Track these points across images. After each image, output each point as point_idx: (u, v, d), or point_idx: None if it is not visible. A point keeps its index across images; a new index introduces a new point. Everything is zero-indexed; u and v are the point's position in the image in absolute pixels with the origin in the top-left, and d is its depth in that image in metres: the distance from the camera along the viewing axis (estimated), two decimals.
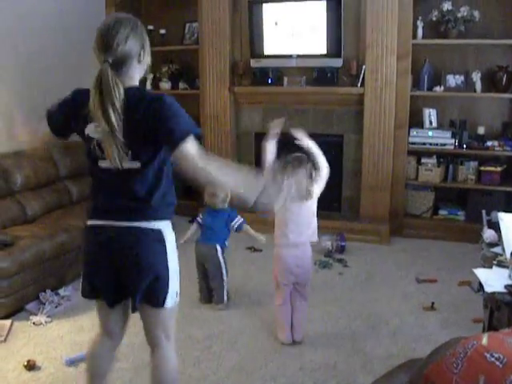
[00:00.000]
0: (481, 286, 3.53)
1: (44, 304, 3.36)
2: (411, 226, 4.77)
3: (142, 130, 1.73)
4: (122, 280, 1.88)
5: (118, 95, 1.69)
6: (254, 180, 1.89)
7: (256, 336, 3.07)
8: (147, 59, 1.84)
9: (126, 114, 1.70)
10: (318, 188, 2.88)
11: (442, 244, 4.56)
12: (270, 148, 2.81)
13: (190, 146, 1.74)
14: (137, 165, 1.77)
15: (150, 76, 5.31)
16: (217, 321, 3.26)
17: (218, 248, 3.40)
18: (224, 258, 3.43)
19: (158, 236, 1.85)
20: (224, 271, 3.41)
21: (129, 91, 1.73)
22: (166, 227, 1.89)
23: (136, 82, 1.82)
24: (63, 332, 3.12)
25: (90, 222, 1.91)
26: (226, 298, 3.43)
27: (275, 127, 2.80)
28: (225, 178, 1.83)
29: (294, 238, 2.85)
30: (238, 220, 3.45)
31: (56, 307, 3.37)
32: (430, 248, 4.51)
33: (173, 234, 1.93)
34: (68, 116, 1.88)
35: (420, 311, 3.37)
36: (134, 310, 1.93)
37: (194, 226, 3.56)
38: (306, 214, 2.87)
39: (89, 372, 2.12)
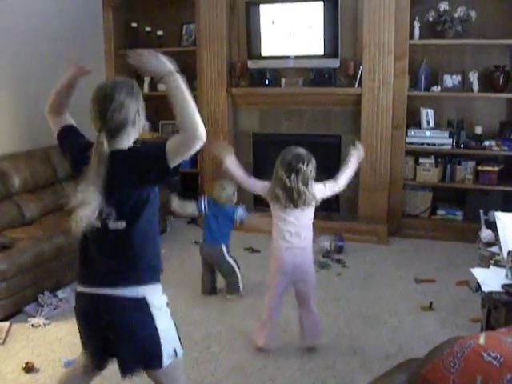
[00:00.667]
0: (479, 285, 3.54)
1: (42, 306, 3.37)
2: (409, 226, 4.78)
3: (125, 187, 1.76)
4: (110, 347, 1.89)
5: (105, 163, 1.71)
6: None
7: (257, 336, 3.06)
8: (142, 121, 1.86)
9: (110, 175, 1.72)
10: (319, 194, 2.73)
11: (440, 244, 4.57)
12: (233, 166, 2.84)
13: (169, 142, 1.71)
14: (122, 225, 1.77)
15: (147, 78, 5.30)
16: (215, 322, 3.27)
17: (224, 248, 3.52)
18: (230, 255, 3.55)
19: (141, 305, 1.83)
20: (235, 267, 3.55)
21: (113, 155, 1.75)
22: (151, 292, 1.86)
23: (129, 145, 1.84)
24: (61, 334, 3.12)
25: (78, 289, 1.93)
26: (241, 288, 3.57)
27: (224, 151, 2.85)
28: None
29: (290, 242, 2.73)
30: (239, 211, 3.51)
31: (54, 309, 3.37)
32: (428, 248, 4.51)
33: (161, 296, 1.90)
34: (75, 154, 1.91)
35: (418, 311, 3.37)
36: (123, 375, 1.90)
37: (194, 207, 3.51)
38: (304, 223, 2.74)
39: None
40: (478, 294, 3.48)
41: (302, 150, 2.70)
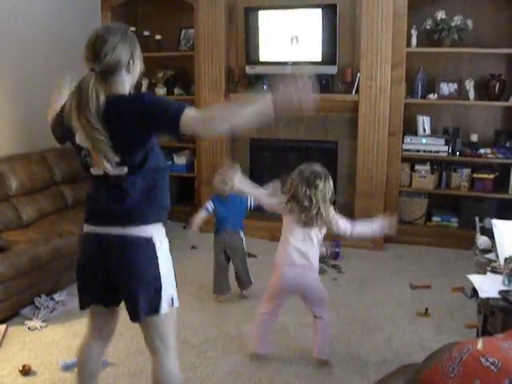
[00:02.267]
0: (474, 292, 3.56)
1: (39, 309, 3.36)
2: (405, 232, 4.79)
3: (129, 134, 1.74)
4: (116, 286, 1.90)
5: (96, 104, 1.70)
6: (262, 98, 1.75)
7: (251, 341, 3.07)
8: (138, 67, 1.85)
9: (109, 121, 1.72)
10: (333, 220, 2.67)
11: (435, 250, 4.60)
12: (245, 186, 2.76)
13: (188, 113, 1.71)
14: (124, 170, 1.78)
15: (146, 81, 5.32)
16: (212, 326, 3.27)
17: (242, 235, 3.58)
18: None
19: (149, 243, 1.86)
20: (246, 256, 3.63)
21: (109, 100, 1.74)
22: (157, 232, 1.89)
23: (125, 91, 1.82)
24: (58, 337, 3.12)
25: (85, 228, 1.94)
26: (252, 278, 3.64)
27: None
28: (237, 114, 1.74)
29: (294, 259, 2.67)
30: (250, 198, 3.50)
31: (51, 312, 3.37)
32: (423, 254, 4.54)
33: (165, 238, 1.93)
34: (63, 126, 1.88)
35: (414, 317, 3.39)
36: (133, 320, 1.91)
37: (203, 213, 3.52)
38: (312, 243, 2.68)
39: (81, 376, 2.14)
40: (473, 301, 3.51)
41: (319, 167, 2.66)
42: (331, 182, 2.64)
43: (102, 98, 1.72)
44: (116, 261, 1.85)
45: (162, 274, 1.88)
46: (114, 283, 1.90)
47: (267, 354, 2.87)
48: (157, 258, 1.87)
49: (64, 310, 3.42)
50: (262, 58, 4.88)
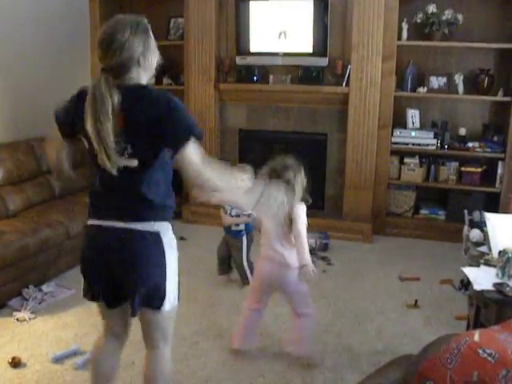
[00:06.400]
0: (462, 284, 3.62)
1: (27, 300, 3.32)
2: (393, 224, 4.83)
3: (145, 130, 1.71)
4: (119, 283, 1.87)
5: (112, 105, 1.66)
6: (251, 189, 1.88)
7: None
8: (153, 60, 1.79)
9: (125, 113, 1.69)
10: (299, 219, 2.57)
11: (423, 243, 4.64)
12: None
13: (192, 149, 1.74)
14: (134, 163, 1.74)
15: None
16: (203, 317, 3.27)
17: (244, 240, 3.65)
18: (248, 244, 3.66)
19: (156, 239, 1.84)
20: (245, 256, 3.65)
21: (127, 91, 1.70)
22: (164, 229, 1.86)
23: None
24: (47, 328, 3.08)
25: (89, 222, 1.90)
26: (250, 277, 3.64)
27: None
28: (224, 186, 1.85)
29: (267, 251, 2.69)
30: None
31: (39, 303, 3.33)
32: (411, 247, 4.58)
33: (172, 236, 1.91)
34: (72, 114, 1.82)
35: (404, 309, 3.42)
36: (133, 314, 1.89)
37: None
38: (285, 239, 2.64)
39: (94, 377, 2.10)
40: (461, 293, 3.57)
41: (289, 160, 2.61)
42: (302, 175, 2.58)
43: (117, 97, 1.67)
44: (120, 255, 1.82)
45: (167, 271, 1.86)
46: (117, 278, 1.86)
47: (250, 348, 2.84)
48: (164, 254, 1.85)
49: (53, 301, 3.38)
50: (252, 49, 4.85)
